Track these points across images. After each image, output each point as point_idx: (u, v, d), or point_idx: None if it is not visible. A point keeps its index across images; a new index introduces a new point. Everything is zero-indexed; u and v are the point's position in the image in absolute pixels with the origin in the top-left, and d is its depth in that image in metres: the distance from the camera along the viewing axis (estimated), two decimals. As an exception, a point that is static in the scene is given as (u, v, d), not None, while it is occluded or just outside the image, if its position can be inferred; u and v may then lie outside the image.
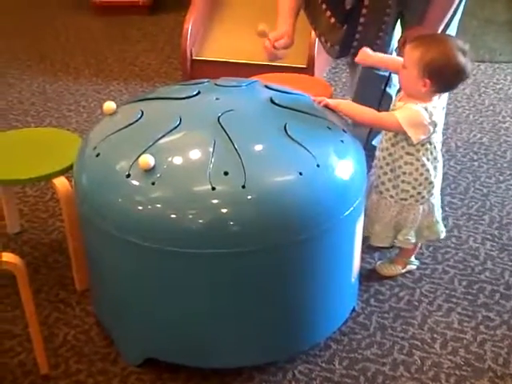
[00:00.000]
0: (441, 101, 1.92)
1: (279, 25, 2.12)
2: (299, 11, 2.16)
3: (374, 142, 2.49)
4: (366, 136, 2.40)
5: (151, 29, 4.38)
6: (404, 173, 1.98)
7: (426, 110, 1.86)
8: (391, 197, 2.03)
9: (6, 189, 2.36)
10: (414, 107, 1.86)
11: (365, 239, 2.03)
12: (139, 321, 1.79)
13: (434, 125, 1.89)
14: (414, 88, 1.87)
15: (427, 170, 1.97)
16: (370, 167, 2.21)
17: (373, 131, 2.41)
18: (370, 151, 2.17)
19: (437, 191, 2.05)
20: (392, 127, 1.91)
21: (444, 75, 1.84)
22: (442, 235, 2.13)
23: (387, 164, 2.00)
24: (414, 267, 2.23)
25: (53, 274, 2.22)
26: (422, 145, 1.93)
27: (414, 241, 2.08)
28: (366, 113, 1.92)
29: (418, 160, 1.95)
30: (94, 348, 1.94)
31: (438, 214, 2.09)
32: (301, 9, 2.17)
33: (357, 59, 2.05)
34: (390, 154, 1.98)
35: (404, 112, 1.87)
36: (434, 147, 1.96)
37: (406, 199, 2.01)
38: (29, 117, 3.27)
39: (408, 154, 1.95)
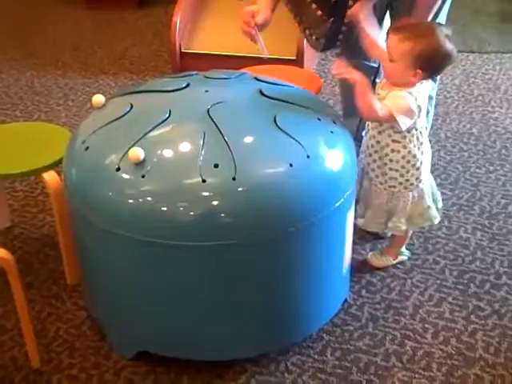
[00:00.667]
0: (424, 86, 1.92)
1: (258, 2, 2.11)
2: None
3: (364, 133, 2.49)
4: (356, 126, 2.40)
5: (140, 22, 4.36)
6: (391, 160, 1.98)
7: (411, 94, 1.86)
8: (380, 184, 2.03)
9: (-4, 184, 2.35)
10: (400, 94, 1.86)
11: (356, 229, 2.03)
12: (131, 314, 1.79)
13: (419, 109, 1.90)
14: (404, 78, 1.87)
15: (414, 156, 1.97)
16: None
17: (362, 122, 2.41)
18: (360, 142, 2.17)
19: (426, 177, 2.05)
20: (385, 118, 1.90)
21: (434, 63, 1.86)
22: (436, 221, 2.12)
23: (375, 151, 2.00)
24: (405, 258, 2.24)
25: (44, 269, 2.22)
26: (408, 131, 1.93)
27: (404, 228, 2.07)
28: (373, 104, 1.84)
29: (404, 147, 1.95)
30: (86, 342, 1.94)
31: (430, 199, 2.08)
32: None
33: (352, 11, 1.97)
34: (377, 142, 1.99)
35: (392, 100, 1.87)
36: (420, 132, 1.96)
37: (394, 186, 2.01)
38: (17, 111, 3.25)
39: (394, 141, 1.96)
